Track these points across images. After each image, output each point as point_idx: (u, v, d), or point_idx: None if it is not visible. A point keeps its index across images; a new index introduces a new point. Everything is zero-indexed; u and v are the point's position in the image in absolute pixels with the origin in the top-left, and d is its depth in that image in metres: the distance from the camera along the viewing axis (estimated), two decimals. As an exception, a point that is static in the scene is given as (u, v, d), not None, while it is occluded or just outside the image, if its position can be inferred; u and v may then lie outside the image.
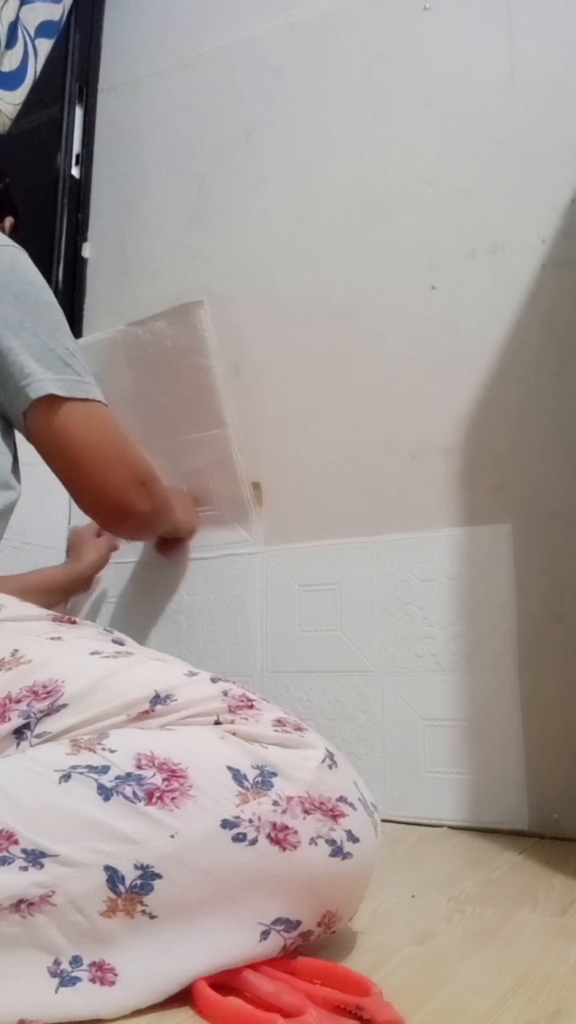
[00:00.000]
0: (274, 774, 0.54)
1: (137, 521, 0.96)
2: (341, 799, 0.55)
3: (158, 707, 0.56)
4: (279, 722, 0.58)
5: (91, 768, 0.51)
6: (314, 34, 1.37)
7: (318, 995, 0.48)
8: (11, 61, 1.39)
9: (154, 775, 0.51)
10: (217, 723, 0.57)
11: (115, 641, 0.69)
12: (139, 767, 0.52)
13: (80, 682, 0.57)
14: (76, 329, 1.48)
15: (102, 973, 0.47)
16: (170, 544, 1.32)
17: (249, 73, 1.43)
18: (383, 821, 1.09)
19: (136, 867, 0.48)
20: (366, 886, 0.58)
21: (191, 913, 0.49)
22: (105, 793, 0.50)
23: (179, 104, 1.50)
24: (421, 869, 0.88)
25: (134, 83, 1.56)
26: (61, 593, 1.24)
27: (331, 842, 0.53)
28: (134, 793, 0.50)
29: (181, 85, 1.50)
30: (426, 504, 1.16)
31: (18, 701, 0.56)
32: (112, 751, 0.53)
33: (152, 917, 0.49)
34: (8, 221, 1.04)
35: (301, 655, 1.21)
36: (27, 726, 0.55)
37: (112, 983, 0.47)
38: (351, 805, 0.55)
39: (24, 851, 0.48)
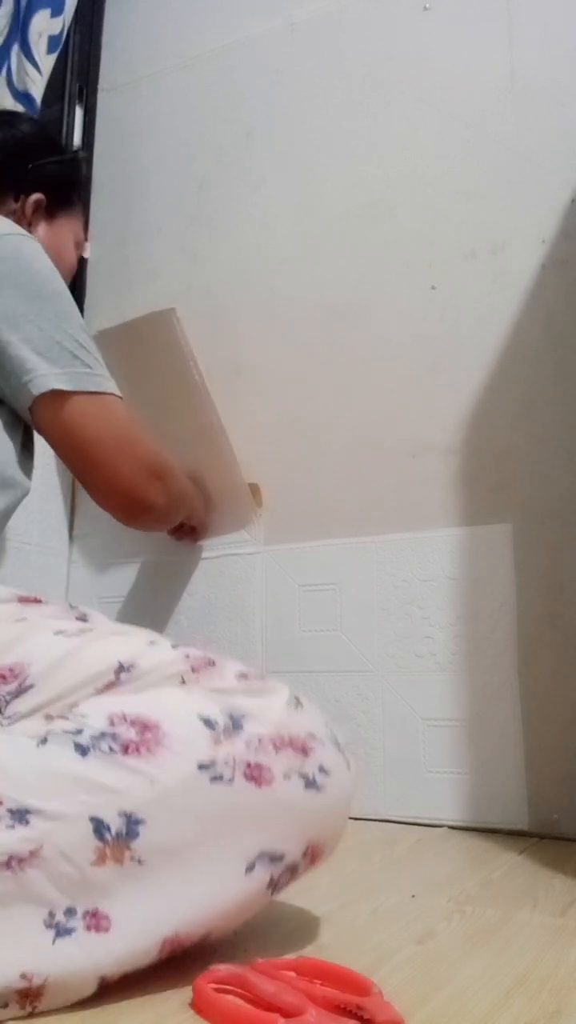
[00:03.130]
0: (243, 717, 0.56)
1: (154, 515, 0.95)
2: (310, 735, 0.57)
3: (122, 676, 0.57)
4: (242, 675, 0.60)
5: (66, 731, 0.53)
6: (314, 34, 1.37)
7: (318, 995, 0.48)
8: (37, 85, 1.41)
9: (128, 730, 0.53)
10: (183, 683, 0.58)
11: (79, 618, 0.69)
12: (112, 724, 0.53)
13: (45, 662, 0.58)
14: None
15: (96, 920, 0.48)
16: (184, 531, 1.28)
17: (249, 73, 1.43)
18: (383, 821, 1.10)
19: (120, 815, 0.50)
20: (345, 820, 0.60)
21: (177, 855, 0.51)
22: (82, 750, 0.51)
23: (179, 104, 1.50)
24: (421, 869, 0.88)
25: (134, 83, 1.56)
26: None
27: (304, 775, 0.55)
28: (110, 747, 0.52)
29: (181, 85, 1.50)
30: (426, 504, 1.16)
31: None
32: (84, 715, 0.54)
33: (140, 863, 0.50)
34: (33, 199, 0.96)
35: (301, 655, 1.21)
36: None
37: (107, 929, 0.48)
38: (320, 741, 0.58)
39: (9, 811, 0.49)
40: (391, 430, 1.21)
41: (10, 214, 0.94)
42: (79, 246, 1.03)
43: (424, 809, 1.09)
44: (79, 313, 0.85)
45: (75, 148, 1.04)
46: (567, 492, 1.07)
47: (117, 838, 0.49)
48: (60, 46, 1.47)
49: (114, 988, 0.50)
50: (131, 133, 1.56)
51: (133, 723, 0.53)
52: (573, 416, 1.09)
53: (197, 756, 0.53)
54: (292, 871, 0.56)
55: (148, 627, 0.79)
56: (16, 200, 0.95)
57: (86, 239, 1.06)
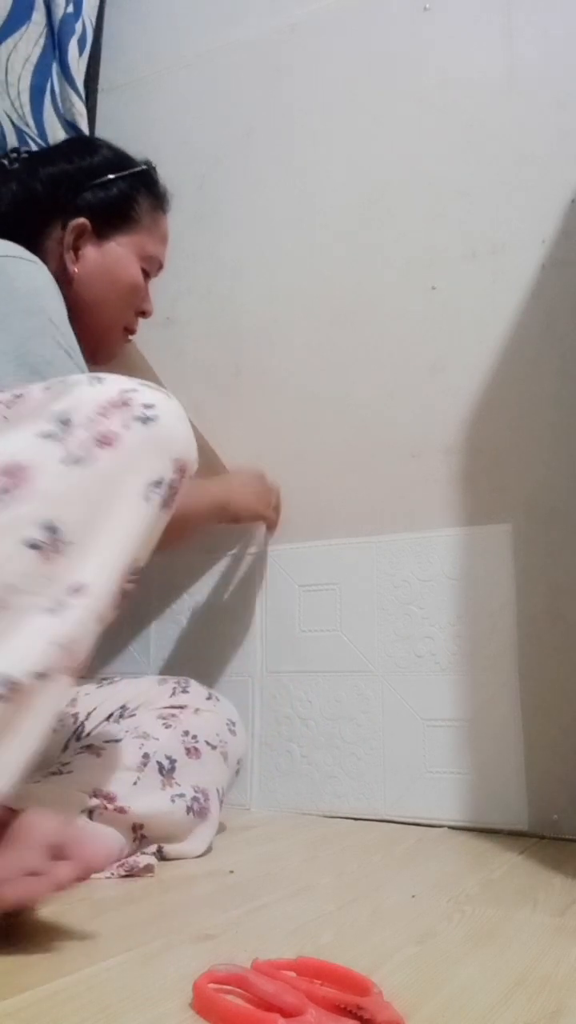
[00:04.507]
0: (67, 412, 0.64)
1: None
2: (121, 392, 0.66)
3: None
4: (45, 388, 0.67)
5: None
6: (314, 34, 1.37)
7: (318, 995, 0.48)
8: (84, 117, 1.43)
9: (1, 479, 0.61)
10: (6, 420, 0.66)
11: None
12: None
13: None
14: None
15: (75, 592, 0.61)
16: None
17: (249, 73, 1.43)
18: (383, 821, 1.10)
19: (40, 527, 0.60)
20: (187, 432, 0.69)
21: (95, 522, 0.62)
22: None
23: (179, 104, 1.50)
24: (421, 869, 0.88)
25: (134, 83, 1.56)
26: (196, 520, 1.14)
27: (137, 418, 0.65)
28: None
29: (181, 85, 1.50)
30: (426, 504, 1.16)
31: None
32: None
33: (73, 543, 0.61)
34: (74, 224, 0.97)
35: (301, 655, 1.21)
36: None
37: (84, 590, 0.61)
38: (130, 392, 0.67)
39: None
40: (391, 430, 1.21)
41: (56, 243, 0.96)
42: (148, 260, 1.03)
43: (424, 809, 1.09)
44: (60, 337, 0.83)
45: (144, 164, 1.03)
46: (567, 492, 1.07)
47: (48, 543, 0.60)
48: (87, 47, 1.48)
49: (114, 986, 0.50)
50: (131, 133, 1.55)
51: (2, 473, 0.61)
52: (573, 416, 1.09)
53: (57, 460, 0.62)
54: (174, 485, 0.67)
55: (149, 627, 0.79)
56: (62, 227, 0.97)
57: (159, 252, 1.05)
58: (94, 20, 1.52)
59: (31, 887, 0.58)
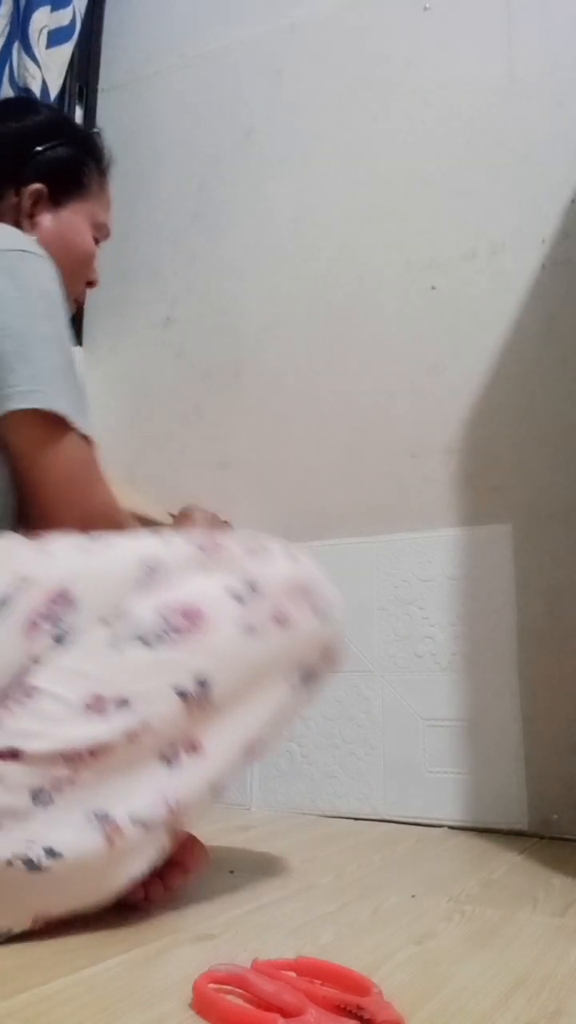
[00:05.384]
0: (257, 580, 0.68)
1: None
2: (310, 580, 0.71)
3: (152, 574, 0.67)
4: (244, 545, 0.71)
5: (127, 632, 0.64)
6: (314, 34, 1.37)
7: (318, 995, 0.48)
8: (36, 80, 1.43)
9: (176, 618, 0.64)
10: (202, 568, 0.69)
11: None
12: (164, 617, 0.64)
13: (84, 577, 0.67)
14: (77, 330, 1.48)
15: (193, 748, 0.63)
16: None
17: (249, 73, 1.43)
18: (383, 821, 1.10)
19: (194, 682, 0.63)
20: (343, 634, 0.73)
21: (242, 694, 0.65)
22: (147, 643, 0.63)
23: (179, 104, 1.50)
24: (421, 869, 0.88)
25: (134, 83, 1.56)
26: None
27: (312, 608, 0.69)
28: (168, 635, 0.64)
29: (181, 85, 1.50)
30: (426, 504, 1.16)
31: (44, 615, 0.66)
32: (137, 615, 0.65)
33: (216, 707, 0.63)
34: (31, 189, 0.92)
35: (301, 655, 1.21)
36: (61, 632, 0.65)
37: (201, 752, 0.63)
38: (317, 583, 0.71)
39: (114, 702, 0.61)
40: (391, 430, 1.21)
41: (11, 209, 0.92)
42: (99, 228, 0.99)
43: (424, 809, 1.09)
44: (65, 340, 0.80)
45: (93, 130, 1.00)
46: (567, 493, 1.07)
47: (196, 697, 0.63)
48: (73, 36, 1.47)
49: (114, 986, 0.50)
50: (131, 133, 1.56)
51: (178, 611, 0.64)
52: (573, 416, 1.09)
53: (234, 623, 0.65)
54: (318, 678, 0.70)
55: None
56: (16, 193, 0.94)
57: (108, 219, 1.02)
58: (83, 11, 1.51)
59: (150, 888, 0.66)
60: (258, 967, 0.51)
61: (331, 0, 1.36)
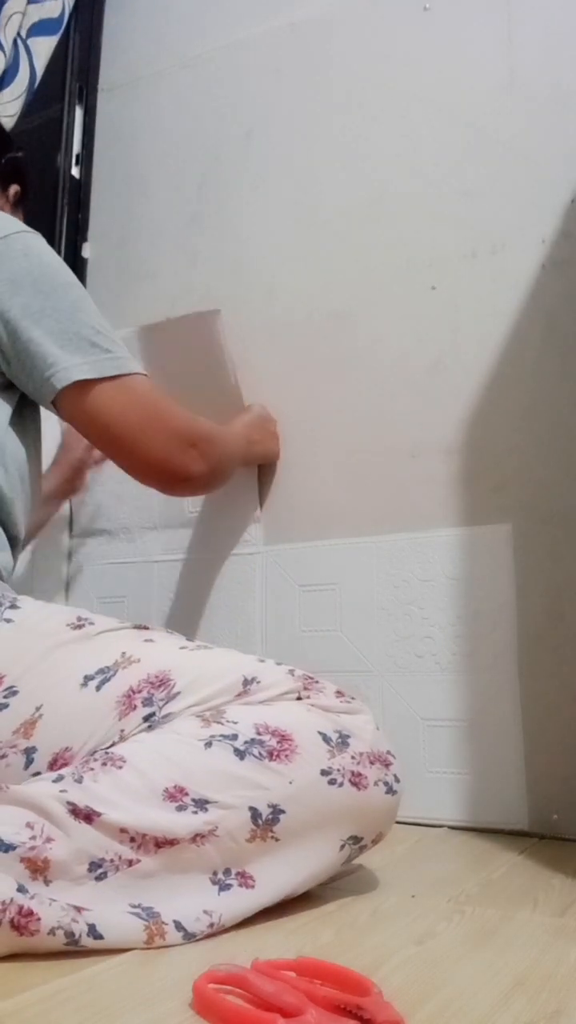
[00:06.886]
0: (348, 735, 0.71)
1: (195, 484, 0.97)
2: (388, 752, 0.74)
3: (250, 687, 0.72)
4: (339, 694, 0.75)
5: (224, 736, 0.67)
6: (314, 34, 1.37)
7: (318, 995, 0.48)
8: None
9: (270, 739, 0.68)
10: (299, 699, 0.73)
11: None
12: (259, 733, 0.68)
13: (186, 672, 0.72)
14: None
15: (245, 880, 0.65)
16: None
17: (249, 73, 1.43)
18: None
19: (268, 806, 0.65)
20: (396, 814, 0.76)
21: (301, 835, 0.67)
22: (239, 754, 0.66)
23: (179, 104, 1.50)
24: (421, 869, 0.88)
25: (134, 83, 1.56)
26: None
27: (386, 783, 0.72)
28: (259, 753, 0.67)
29: (181, 85, 1.50)
30: (426, 504, 1.16)
31: (139, 691, 0.71)
32: (235, 722, 0.68)
33: (277, 840, 0.66)
34: (13, 189, 1.01)
35: (301, 655, 1.21)
36: (152, 713, 0.70)
37: (252, 887, 0.65)
38: (393, 756, 0.74)
39: (193, 800, 0.64)
40: (391, 430, 1.21)
41: None
42: None
43: (424, 809, 1.09)
44: (90, 298, 0.85)
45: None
46: (567, 493, 1.07)
47: (265, 823, 0.65)
48: (61, 30, 1.47)
49: (114, 986, 0.49)
50: (131, 133, 1.56)
51: (274, 733, 0.68)
52: (574, 416, 1.09)
53: (319, 764, 0.68)
54: (362, 848, 0.73)
55: (149, 627, 0.80)
56: (3, 191, 0.98)
57: None
58: (71, 5, 1.51)
59: None
60: (258, 967, 0.51)
61: (331, 0, 1.36)
